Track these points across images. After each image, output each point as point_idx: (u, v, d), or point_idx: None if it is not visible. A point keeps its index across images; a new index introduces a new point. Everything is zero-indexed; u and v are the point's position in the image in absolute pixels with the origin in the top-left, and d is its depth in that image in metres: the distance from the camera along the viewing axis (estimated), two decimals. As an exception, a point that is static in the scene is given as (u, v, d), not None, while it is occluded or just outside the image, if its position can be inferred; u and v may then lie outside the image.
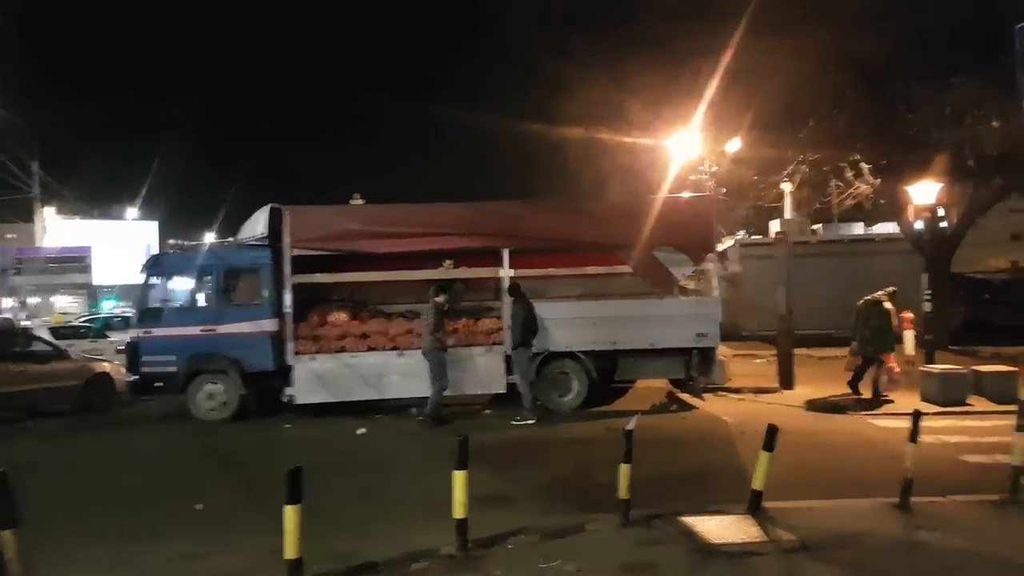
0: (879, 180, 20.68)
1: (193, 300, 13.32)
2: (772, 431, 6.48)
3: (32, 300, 40.71)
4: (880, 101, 18.49)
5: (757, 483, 6.56)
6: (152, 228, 49.75)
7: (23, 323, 26.24)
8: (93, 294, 43.65)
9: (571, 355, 12.75)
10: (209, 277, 13.06)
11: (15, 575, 4.76)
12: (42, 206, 38.73)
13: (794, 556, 5.76)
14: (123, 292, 42.46)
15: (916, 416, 7.06)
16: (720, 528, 6.33)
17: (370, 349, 12.62)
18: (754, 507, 6.57)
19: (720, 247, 18.82)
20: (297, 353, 12.51)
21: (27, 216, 38.04)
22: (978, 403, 12.02)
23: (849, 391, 12.85)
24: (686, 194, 19.34)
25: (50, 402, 13.79)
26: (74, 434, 12.36)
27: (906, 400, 12.06)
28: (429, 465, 8.84)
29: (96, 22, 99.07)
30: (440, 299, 12.02)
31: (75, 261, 41.29)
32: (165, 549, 6.37)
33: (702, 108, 20.33)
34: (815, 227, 28.26)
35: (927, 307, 14.88)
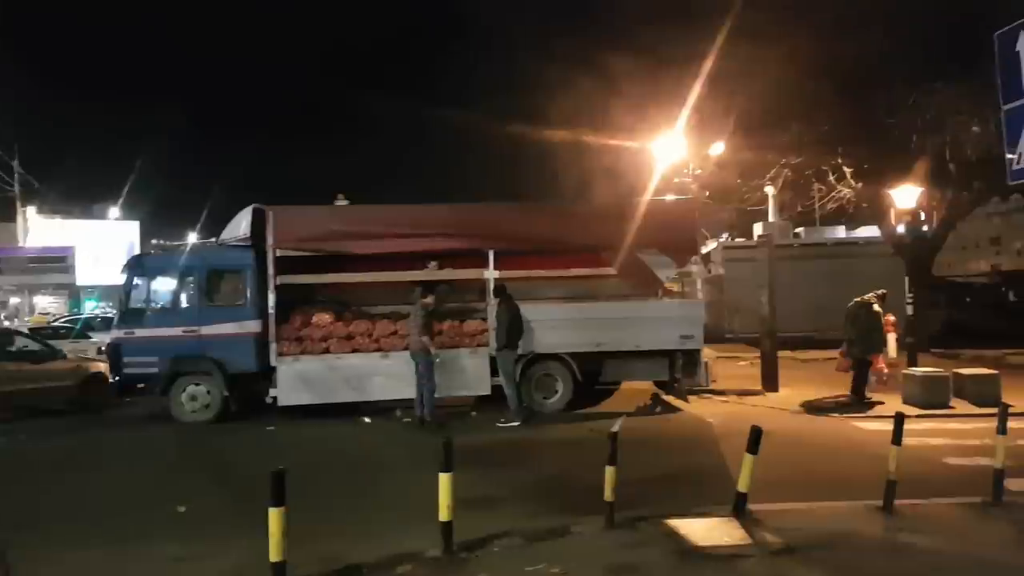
0: (861, 184, 20.85)
1: (175, 301, 13.16)
2: (756, 433, 6.50)
3: (13, 300, 40.28)
4: (861, 106, 18.64)
5: (742, 485, 6.57)
6: (134, 228, 49.33)
7: (3, 323, 26.00)
8: (75, 294, 43.25)
9: (556, 357, 12.76)
10: (192, 278, 12.94)
11: None
12: (23, 205, 38.36)
13: (779, 558, 5.77)
14: (105, 293, 42.08)
15: (899, 419, 7.10)
16: (705, 530, 6.34)
17: (354, 351, 12.57)
18: (739, 509, 6.58)
19: (704, 249, 18.93)
20: (281, 354, 12.43)
21: (8, 215, 37.67)
22: (960, 406, 12.13)
23: (847, 393, 12.93)
24: (670, 197, 19.42)
25: (46, 402, 13.82)
26: (63, 434, 12.25)
27: (888, 402, 12.18)
28: (414, 467, 8.81)
29: (77, 20, 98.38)
30: (428, 300, 11.99)
31: (56, 261, 40.88)
32: (151, 552, 6.31)
33: (686, 111, 20.42)
34: (798, 230, 28.42)
35: (909, 310, 15.01)
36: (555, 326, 12.67)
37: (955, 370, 13.02)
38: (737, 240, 28.55)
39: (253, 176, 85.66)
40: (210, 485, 8.68)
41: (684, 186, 23.70)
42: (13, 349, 14.38)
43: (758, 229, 25.80)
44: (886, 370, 13.02)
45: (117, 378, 12.88)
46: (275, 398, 12.47)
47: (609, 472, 6.41)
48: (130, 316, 12.89)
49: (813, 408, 12.49)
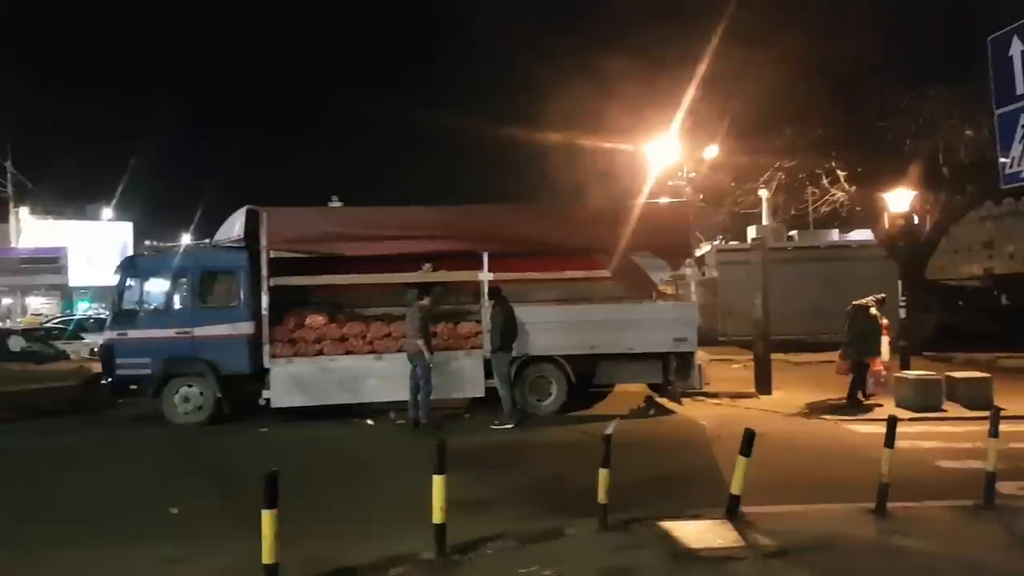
0: (854, 187, 20.90)
1: (169, 302, 13.13)
2: (749, 436, 6.51)
3: (6, 301, 40.13)
4: (855, 110, 18.69)
5: (735, 487, 6.58)
6: (127, 229, 49.20)
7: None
8: (68, 295, 43.09)
9: (550, 359, 12.77)
10: (185, 279, 12.90)
11: None
12: (16, 206, 38.21)
13: (771, 560, 5.79)
14: (98, 294, 41.93)
15: (892, 422, 7.12)
16: (698, 532, 6.35)
17: (348, 352, 12.56)
18: (732, 511, 6.59)
19: (698, 252, 18.95)
20: (274, 356, 12.41)
21: (0, 216, 37.52)
22: (952, 409, 12.17)
23: (847, 396, 12.96)
24: (664, 199, 19.44)
25: (49, 402, 13.91)
26: (63, 434, 12.21)
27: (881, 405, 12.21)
28: (408, 469, 8.78)
29: (72, 20, 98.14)
30: (425, 303, 11.98)
31: (49, 262, 40.74)
32: (144, 553, 6.30)
33: (680, 115, 20.46)
34: (791, 233, 28.51)
35: (902, 313, 15.05)
36: (549, 328, 12.67)
37: (947, 373, 13.06)
38: (731, 243, 28.57)
39: (247, 177, 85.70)
40: (203, 486, 8.66)
41: (678, 189, 23.80)
42: (18, 350, 14.58)
43: (752, 232, 25.88)
44: (884, 372, 13.05)
45: (110, 379, 12.84)
46: (268, 400, 12.45)
47: (603, 474, 6.42)
48: (123, 317, 12.85)
49: (818, 411, 12.49)
